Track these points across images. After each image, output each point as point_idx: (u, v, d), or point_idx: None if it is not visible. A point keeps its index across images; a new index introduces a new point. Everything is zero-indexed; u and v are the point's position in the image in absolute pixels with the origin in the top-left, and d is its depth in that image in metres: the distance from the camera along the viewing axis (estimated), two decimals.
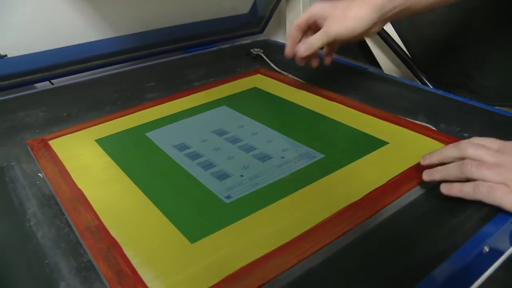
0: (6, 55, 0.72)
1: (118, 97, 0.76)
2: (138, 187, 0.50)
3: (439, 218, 0.43)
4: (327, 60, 0.69)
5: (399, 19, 0.84)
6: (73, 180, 0.52)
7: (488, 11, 0.72)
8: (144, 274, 0.37)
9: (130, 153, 0.58)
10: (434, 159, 0.47)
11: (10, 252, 0.44)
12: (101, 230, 0.43)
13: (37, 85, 0.78)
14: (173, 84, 0.82)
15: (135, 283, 0.37)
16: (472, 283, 0.40)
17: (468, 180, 0.43)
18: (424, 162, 0.48)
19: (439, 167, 0.46)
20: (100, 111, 0.72)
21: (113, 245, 0.41)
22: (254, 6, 1.03)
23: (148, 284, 0.36)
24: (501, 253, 0.43)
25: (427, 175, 0.46)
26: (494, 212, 0.42)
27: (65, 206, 0.47)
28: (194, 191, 0.49)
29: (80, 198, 0.48)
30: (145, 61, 0.88)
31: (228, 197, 0.48)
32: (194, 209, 0.46)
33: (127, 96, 0.77)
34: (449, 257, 0.37)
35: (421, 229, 0.42)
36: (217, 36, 0.98)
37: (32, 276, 0.41)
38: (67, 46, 0.77)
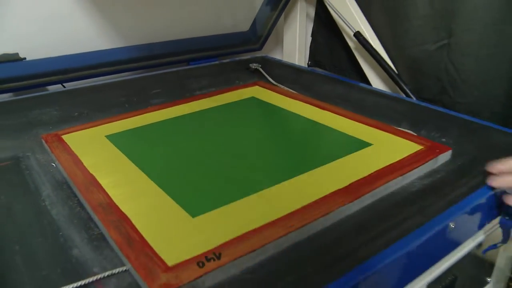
0: (25, 58, 0.78)
1: (125, 101, 0.82)
2: (144, 173, 0.55)
3: (413, 203, 0.49)
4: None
5: (387, 39, 0.92)
6: (85, 167, 0.57)
7: (465, 33, 0.80)
8: (151, 240, 0.42)
9: (136, 146, 0.64)
10: (504, 168, 0.49)
11: (28, 226, 0.49)
12: (112, 207, 0.48)
13: (50, 87, 0.84)
14: (177, 92, 0.88)
15: (142, 246, 0.41)
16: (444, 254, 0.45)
17: None
18: (492, 170, 0.50)
19: (507, 178, 0.49)
20: (108, 112, 0.77)
21: (123, 218, 0.46)
22: (253, 24, 1.10)
23: (154, 247, 0.41)
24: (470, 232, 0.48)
25: (496, 183, 0.50)
26: (460, 197, 0.48)
27: (78, 188, 0.53)
28: (194, 173, 0.55)
29: (93, 182, 0.54)
30: (151, 70, 0.94)
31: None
32: (194, 189, 0.52)
33: (134, 101, 0.83)
34: (420, 227, 0.42)
35: (398, 210, 0.48)
36: (219, 51, 1.05)
37: (48, 245, 0.46)
38: (80, 53, 0.84)
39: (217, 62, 1.05)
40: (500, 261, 0.64)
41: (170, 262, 0.39)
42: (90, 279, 0.40)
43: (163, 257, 0.40)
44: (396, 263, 0.40)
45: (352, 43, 0.99)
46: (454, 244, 0.48)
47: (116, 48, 0.88)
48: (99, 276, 0.40)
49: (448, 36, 0.82)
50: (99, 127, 0.70)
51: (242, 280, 0.39)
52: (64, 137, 0.66)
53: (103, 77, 0.87)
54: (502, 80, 0.78)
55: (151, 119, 0.74)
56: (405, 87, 0.86)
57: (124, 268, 0.41)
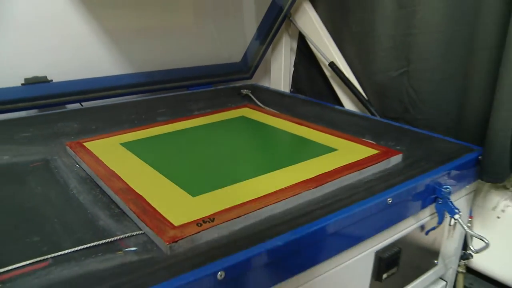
0: (51, 80, 0.93)
1: (135, 118, 0.97)
2: (154, 169, 0.69)
3: (363, 188, 0.63)
4: None
5: (357, 67, 1.08)
6: (106, 165, 0.71)
7: (420, 61, 0.96)
8: (161, 210, 0.56)
9: (147, 151, 0.78)
10: None
11: (62, 207, 0.62)
12: (129, 190, 0.62)
13: (70, 105, 0.99)
14: (179, 111, 1.03)
15: (155, 214, 0.55)
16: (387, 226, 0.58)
17: None
18: None
19: None
20: (121, 127, 0.92)
21: (139, 197, 0.60)
22: (245, 56, 1.27)
23: (164, 214, 0.55)
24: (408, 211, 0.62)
25: None
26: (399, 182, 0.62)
27: (101, 178, 0.66)
28: (193, 167, 0.69)
29: (113, 174, 0.67)
30: (157, 94, 1.10)
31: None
32: (194, 178, 0.66)
33: (142, 118, 0.98)
34: (363, 200, 0.56)
35: (352, 192, 0.61)
36: (214, 79, 1.20)
37: (79, 219, 0.59)
38: (96, 77, 0.99)
39: (212, 88, 1.20)
40: (444, 247, 0.78)
41: (176, 223, 0.53)
42: (115, 238, 0.53)
43: (170, 220, 0.53)
44: (343, 224, 0.53)
45: (327, 71, 1.15)
46: (395, 219, 0.62)
47: (127, 74, 1.04)
48: (121, 236, 0.53)
49: (407, 65, 0.98)
50: (114, 137, 0.84)
51: (229, 237, 0.52)
52: (86, 144, 0.80)
53: (115, 98, 1.03)
54: (452, 100, 0.93)
55: (158, 132, 0.88)
56: (371, 108, 1.02)
57: (140, 232, 0.54)
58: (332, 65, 1.09)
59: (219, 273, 0.43)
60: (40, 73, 0.92)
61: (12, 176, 0.71)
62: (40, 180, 0.71)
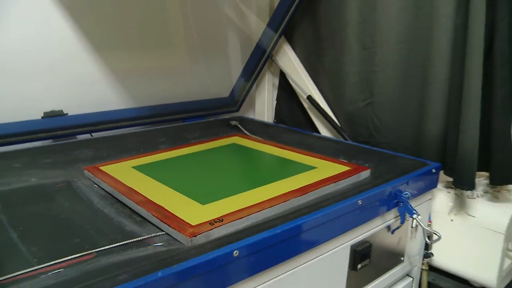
0: (67, 113, 1.06)
1: (140, 146, 1.10)
2: (165, 185, 0.83)
3: (339, 195, 0.78)
4: None
5: (330, 100, 1.26)
6: (123, 183, 0.84)
7: (382, 94, 1.15)
8: (179, 215, 0.69)
9: (156, 172, 0.91)
10: None
11: (90, 217, 0.74)
12: (149, 202, 0.75)
13: (81, 136, 1.12)
14: (177, 140, 1.17)
15: (174, 217, 0.68)
16: (360, 223, 0.74)
17: None
18: None
19: None
20: (129, 153, 1.05)
21: (158, 207, 0.73)
22: (232, 92, 1.43)
23: (182, 218, 0.68)
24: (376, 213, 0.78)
25: None
26: (367, 189, 0.78)
27: (122, 193, 0.79)
28: (198, 183, 0.83)
29: (132, 190, 0.80)
30: (157, 125, 1.24)
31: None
32: (200, 191, 0.79)
33: (146, 146, 1.11)
34: (337, 203, 0.71)
35: (331, 199, 0.76)
36: (206, 112, 1.36)
37: (108, 225, 0.71)
38: (105, 111, 1.13)
39: (205, 120, 1.36)
40: (409, 247, 0.93)
41: (193, 223, 0.66)
42: (144, 237, 0.66)
43: (188, 221, 0.67)
44: (323, 219, 0.68)
45: (306, 104, 1.32)
46: (366, 218, 0.77)
47: (131, 108, 1.18)
48: (147, 236, 0.66)
49: (371, 97, 1.16)
50: (125, 161, 0.98)
51: (235, 233, 0.66)
52: (102, 167, 0.93)
53: (122, 129, 1.16)
54: (409, 126, 1.10)
55: (162, 157, 1.02)
56: (343, 134, 1.19)
57: (162, 232, 0.68)
58: (310, 98, 1.27)
59: (234, 251, 0.57)
60: (56, 107, 1.06)
61: (43, 194, 0.83)
62: (66, 197, 0.83)
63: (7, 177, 0.88)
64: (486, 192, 0.99)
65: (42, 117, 1.04)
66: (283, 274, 0.67)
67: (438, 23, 0.98)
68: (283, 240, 0.63)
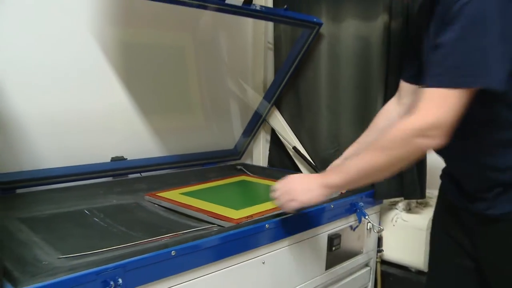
0: (126, 158, 1.51)
1: (178, 182, 1.54)
2: (208, 201, 1.27)
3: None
4: None
5: (309, 148, 1.76)
6: (179, 201, 1.28)
7: (346, 144, 1.64)
8: (225, 215, 1.14)
9: (196, 195, 1.35)
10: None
11: (162, 221, 1.17)
12: (202, 210, 1.19)
13: (134, 174, 1.56)
14: (202, 178, 1.62)
15: (223, 216, 1.13)
16: (333, 220, 1.20)
17: None
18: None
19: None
20: (170, 186, 1.49)
21: (209, 212, 1.17)
22: (236, 145, 1.91)
23: (227, 215, 1.13)
24: (342, 214, 1.25)
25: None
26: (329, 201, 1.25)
27: (181, 206, 1.23)
28: (226, 200, 1.28)
29: (187, 205, 1.24)
30: (185, 168, 1.69)
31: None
32: (231, 203, 1.24)
33: (182, 182, 1.55)
34: (319, 205, 1.18)
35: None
36: (218, 159, 1.82)
37: (178, 224, 1.15)
38: (149, 157, 1.58)
39: (217, 165, 1.82)
40: (366, 243, 1.39)
41: (235, 218, 1.11)
42: (201, 227, 1.09)
43: (232, 217, 1.11)
44: (310, 214, 1.14)
45: (291, 152, 1.81)
46: (337, 216, 1.23)
47: (168, 155, 1.64)
48: (203, 226, 1.10)
49: (338, 146, 1.66)
50: (173, 190, 1.41)
51: (259, 225, 1.10)
52: (158, 194, 1.37)
53: (159, 171, 1.61)
54: None
55: (196, 188, 1.46)
56: (319, 172, 1.67)
57: (214, 225, 1.11)
58: (294, 148, 1.76)
59: (266, 224, 1.02)
60: (119, 154, 1.50)
61: (125, 209, 1.26)
62: (141, 211, 1.26)
63: (97, 199, 1.31)
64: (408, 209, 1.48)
65: (110, 160, 1.48)
66: (289, 245, 1.12)
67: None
68: (282, 224, 1.09)
